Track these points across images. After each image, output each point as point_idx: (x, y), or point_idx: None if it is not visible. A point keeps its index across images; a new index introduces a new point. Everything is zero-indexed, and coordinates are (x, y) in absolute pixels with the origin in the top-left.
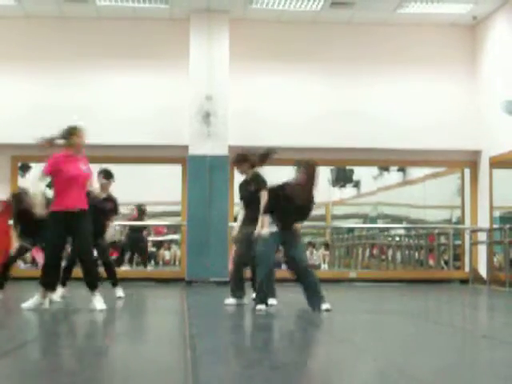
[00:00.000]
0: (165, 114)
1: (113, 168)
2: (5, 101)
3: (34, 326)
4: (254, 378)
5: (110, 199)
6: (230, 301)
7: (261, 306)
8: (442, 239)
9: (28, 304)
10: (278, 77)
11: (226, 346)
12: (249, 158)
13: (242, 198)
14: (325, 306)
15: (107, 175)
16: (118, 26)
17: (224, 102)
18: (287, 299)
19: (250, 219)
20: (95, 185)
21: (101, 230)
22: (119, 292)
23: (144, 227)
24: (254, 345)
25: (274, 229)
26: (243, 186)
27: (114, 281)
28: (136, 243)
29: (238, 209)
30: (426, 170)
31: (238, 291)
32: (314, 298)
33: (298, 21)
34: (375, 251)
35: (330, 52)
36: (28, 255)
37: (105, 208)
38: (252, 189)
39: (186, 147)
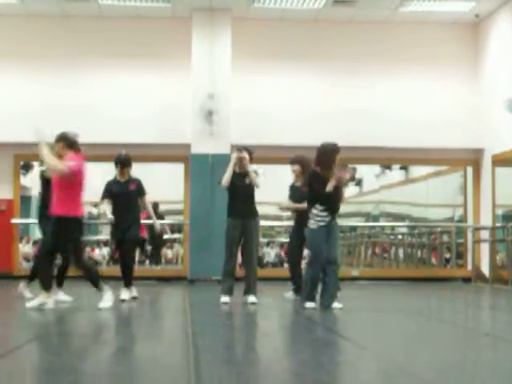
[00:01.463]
0: (167, 113)
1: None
2: (7, 99)
3: (36, 325)
4: (256, 377)
5: (132, 181)
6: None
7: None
8: (445, 237)
9: (32, 304)
10: (280, 75)
11: (228, 344)
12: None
13: (235, 190)
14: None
15: (123, 164)
16: (121, 25)
17: (226, 100)
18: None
19: (245, 211)
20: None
21: (136, 218)
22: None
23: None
24: (255, 343)
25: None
26: (240, 178)
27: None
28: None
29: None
30: (429, 169)
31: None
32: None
33: (300, 19)
34: (377, 249)
35: (332, 50)
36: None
37: (129, 191)
38: (248, 182)
39: (188, 146)
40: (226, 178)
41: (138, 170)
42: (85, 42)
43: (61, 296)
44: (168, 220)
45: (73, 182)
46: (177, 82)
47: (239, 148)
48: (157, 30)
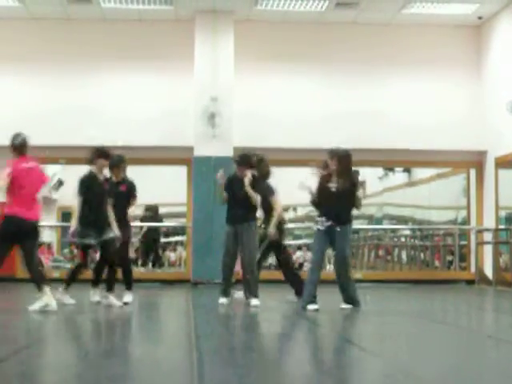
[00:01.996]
0: (170, 115)
1: None
2: (9, 102)
3: (38, 328)
4: (259, 380)
5: (124, 183)
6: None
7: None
8: (448, 240)
9: (35, 306)
10: (283, 77)
11: (231, 347)
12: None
13: (233, 195)
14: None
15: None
16: (123, 28)
17: (229, 102)
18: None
19: (238, 217)
20: None
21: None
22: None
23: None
24: (258, 346)
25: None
26: (238, 184)
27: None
28: (153, 243)
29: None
30: (432, 171)
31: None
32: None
33: (303, 21)
34: (381, 252)
35: (335, 53)
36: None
37: (118, 191)
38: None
39: (191, 148)
40: (222, 198)
41: (140, 173)
42: (87, 44)
43: (66, 299)
44: (171, 223)
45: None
46: (179, 84)
47: (238, 154)
48: (159, 32)
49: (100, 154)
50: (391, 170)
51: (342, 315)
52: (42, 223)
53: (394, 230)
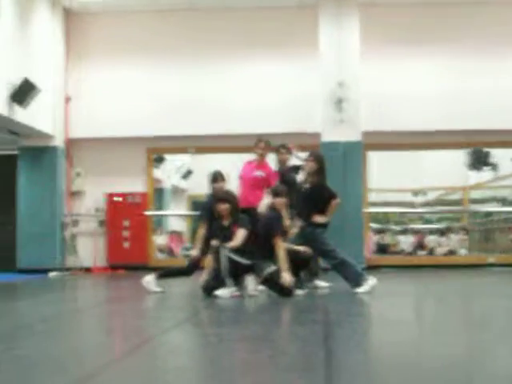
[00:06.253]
0: (296, 102)
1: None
2: (140, 95)
3: (169, 317)
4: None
5: None
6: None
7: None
8: None
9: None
10: (409, 60)
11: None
12: None
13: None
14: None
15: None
16: (247, 16)
17: (356, 87)
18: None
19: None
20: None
21: None
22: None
23: None
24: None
25: None
26: None
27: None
28: None
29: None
30: None
31: None
32: None
33: (429, 3)
34: None
35: (462, 33)
36: None
37: None
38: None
39: (318, 134)
40: None
41: None
42: (213, 34)
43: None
44: None
45: None
46: (305, 70)
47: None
48: (283, 19)
49: None
50: None
51: (474, 300)
52: (172, 212)
53: None
